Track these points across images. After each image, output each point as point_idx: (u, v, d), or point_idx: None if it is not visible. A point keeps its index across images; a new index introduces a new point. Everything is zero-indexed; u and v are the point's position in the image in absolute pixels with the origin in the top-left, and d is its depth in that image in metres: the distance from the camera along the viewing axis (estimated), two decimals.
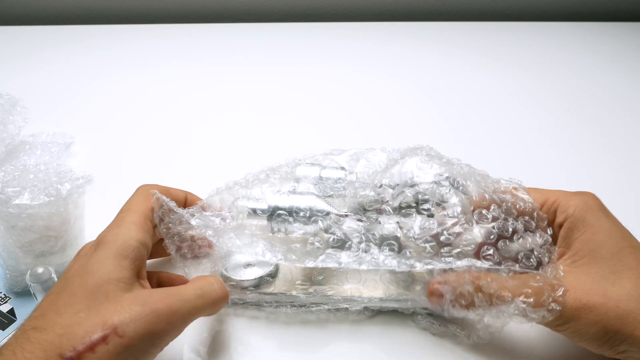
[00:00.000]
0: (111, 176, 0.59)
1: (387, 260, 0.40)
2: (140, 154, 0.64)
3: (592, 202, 0.40)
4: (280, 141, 0.66)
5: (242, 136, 0.67)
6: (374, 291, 0.44)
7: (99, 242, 0.38)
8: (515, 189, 0.42)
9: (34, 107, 0.63)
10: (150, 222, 0.41)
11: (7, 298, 0.46)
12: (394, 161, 0.45)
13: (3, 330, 0.43)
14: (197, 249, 0.44)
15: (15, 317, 0.44)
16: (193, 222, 0.42)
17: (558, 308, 0.36)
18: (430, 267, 0.39)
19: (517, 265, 0.39)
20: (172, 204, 0.43)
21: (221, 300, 0.39)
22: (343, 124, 0.69)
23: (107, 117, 0.71)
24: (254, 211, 0.44)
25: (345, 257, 0.40)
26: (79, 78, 0.78)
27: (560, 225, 0.41)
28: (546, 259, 0.40)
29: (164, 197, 0.43)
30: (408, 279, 0.43)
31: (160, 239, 0.44)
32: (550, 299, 0.36)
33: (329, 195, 0.46)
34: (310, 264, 0.40)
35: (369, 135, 0.67)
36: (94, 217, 0.47)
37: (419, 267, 0.39)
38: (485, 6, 0.96)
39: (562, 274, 0.38)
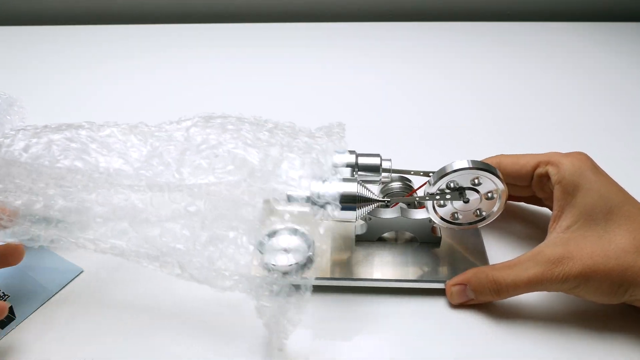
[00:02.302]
0: None
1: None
2: None
3: (581, 164, 0.44)
4: None
5: None
6: (404, 274, 0.46)
7: None
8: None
9: (33, 108, 0.63)
10: None
11: (6, 296, 0.45)
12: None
13: (2, 328, 0.43)
14: None
15: (14, 315, 0.44)
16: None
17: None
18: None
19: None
20: None
21: None
22: (348, 118, 0.69)
23: (107, 117, 0.70)
24: (294, 198, 0.44)
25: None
26: (78, 78, 0.78)
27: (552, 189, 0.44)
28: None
29: None
30: (435, 264, 0.47)
31: None
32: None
33: (366, 181, 0.48)
34: None
35: (368, 134, 0.67)
36: None
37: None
38: (485, 6, 0.96)
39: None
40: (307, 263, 0.46)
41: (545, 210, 0.54)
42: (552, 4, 0.96)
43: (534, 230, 0.52)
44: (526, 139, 0.66)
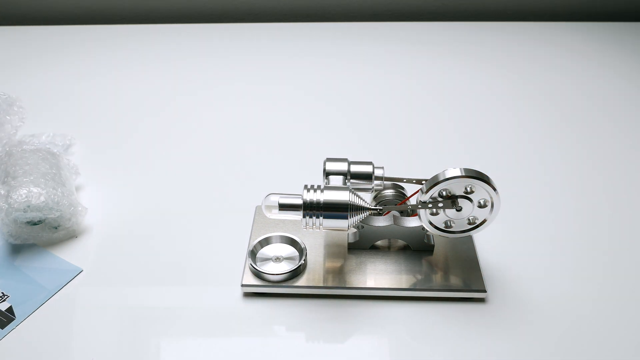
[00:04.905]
0: (111, 176, 0.59)
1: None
2: (140, 154, 0.64)
3: None
4: (280, 140, 0.66)
5: (241, 135, 0.67)
6: (397, 282, 0.45)
7: None
8: None
9: (35, 108, 0.63)
10: None
11: (6, 297, 0.46)
12: None
13: (2, 328, 0.43)
14: None
15: (14, 315, 0.44)
16: None
17: None
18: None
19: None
20: None
21: None
22: (343, 122, 0.69)
23: (106, 116, 0.71)
24: (287, 206, 0.44)
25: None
26: (78, 78, 0.78)
27: None
28: None
29: None
30: (428, 271, 0.46)
31: None
32: None
33: (358, 189, 0.47)
34: None
35: (367, 133, 0.67)
36: (96, 214, 0.48)
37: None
38: (485, 6, 0.96)
39: None
40: (300, 271, 0.46)
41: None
42: (552, 4, 0.96)
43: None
44: (526, 140, 0.66)
